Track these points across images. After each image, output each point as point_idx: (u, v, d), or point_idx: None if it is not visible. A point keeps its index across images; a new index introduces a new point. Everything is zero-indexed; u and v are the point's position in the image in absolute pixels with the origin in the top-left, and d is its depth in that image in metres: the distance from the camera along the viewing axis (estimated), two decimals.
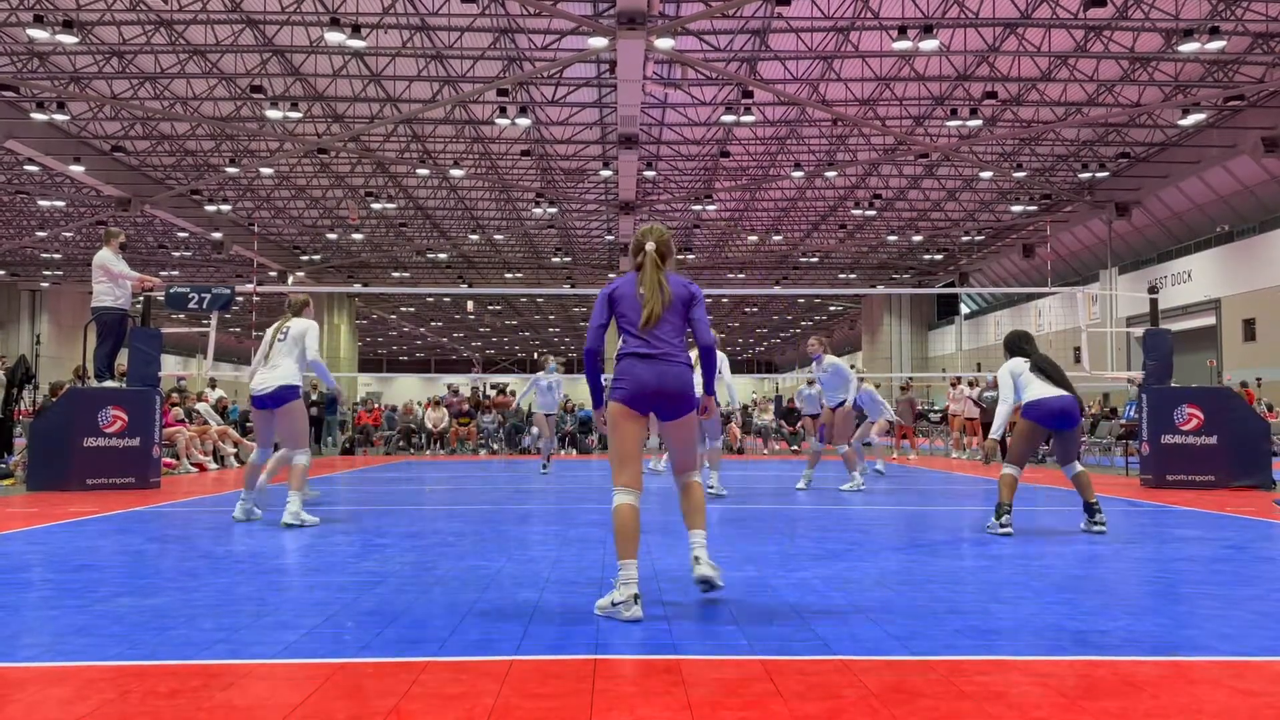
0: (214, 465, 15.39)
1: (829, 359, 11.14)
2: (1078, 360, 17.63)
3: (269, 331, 7.57)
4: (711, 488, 9.83)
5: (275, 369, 7.32)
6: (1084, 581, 4.83)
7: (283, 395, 7.27)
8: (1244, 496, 10.02)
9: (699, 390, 4.56)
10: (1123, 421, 17.00)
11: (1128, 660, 3.30)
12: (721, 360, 8.92)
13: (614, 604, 3.96)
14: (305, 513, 7.27)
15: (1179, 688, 3.00)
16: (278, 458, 7.68)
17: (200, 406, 16.86)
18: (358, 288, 43.29)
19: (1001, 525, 6.77)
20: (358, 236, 40.49)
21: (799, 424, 25.06)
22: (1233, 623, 3.89)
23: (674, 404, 4.30)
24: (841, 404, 10.91)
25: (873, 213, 36.16)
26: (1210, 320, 31.98)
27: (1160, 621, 3.91)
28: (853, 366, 12.24)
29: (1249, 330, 30.03)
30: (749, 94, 23.47)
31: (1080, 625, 3.82)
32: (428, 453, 22.00)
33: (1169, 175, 31.33)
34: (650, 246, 4.41)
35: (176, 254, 43.11)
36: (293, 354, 7.37)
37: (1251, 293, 29.68)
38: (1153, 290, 12.77)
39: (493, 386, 31.86)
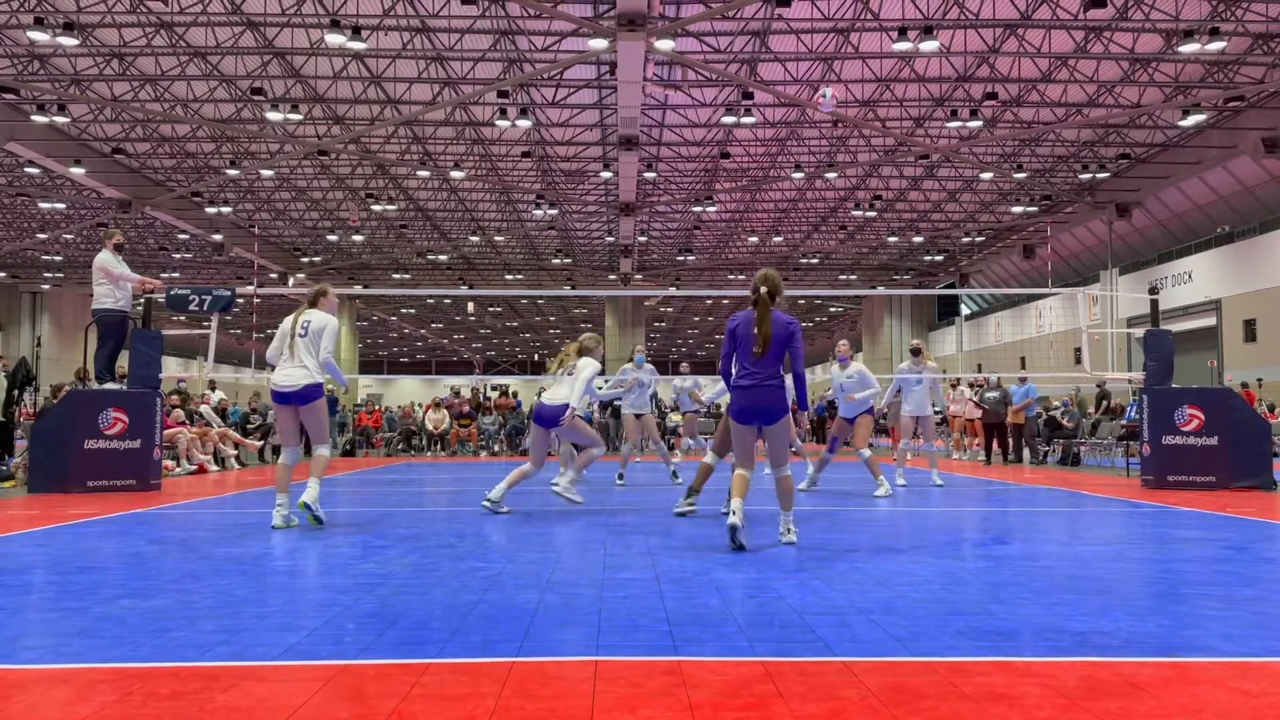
0: (215, 467, 15.39)
1: (855, 365, 10.67)
2: (1078, 361, 17.58)
3: (287, 323, 7.40)
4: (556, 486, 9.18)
5: (301, 366, 7.20)
6: (1085, 582, 4.83)
7: (309, 393, 7.20)
8: (1245, 497, 10.02)
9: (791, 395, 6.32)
10: (1124, 422, 17.00)
11: (1129, 661, 3.30)
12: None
13: (723, 513, 6.44)
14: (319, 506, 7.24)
15: (1180, 688, 3.00)
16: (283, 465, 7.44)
17: (203, 409, 16.88)
18: (358, 289, 43.31)
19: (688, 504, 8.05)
20: (358, 238, 40.52)
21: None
22: (1234, 623, 3.89)
23: (768, 415, 6.03)
24: (868, 411, 10.56)
25: (873, 214, 36.15)
26: (1211, 321, 31.97)
27: (1162, 622, 3.91)
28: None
29: (1249, 331, 30.02)
30: (749, 95, 23.48)
31: (1081, 626, 3.81)
32: (428, 454, 22.00)
33: (1169, 176, 31.33)
34: (764, 290, 5.96)
35: (177, 256, 43.14)
36: (315, 351, 7.26)
37: (1252, 293, 29.68)
38: (1153, 291, 12.77)
39: (493, 388, 31.87)
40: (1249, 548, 6.21)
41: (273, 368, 7.42)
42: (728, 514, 5.94)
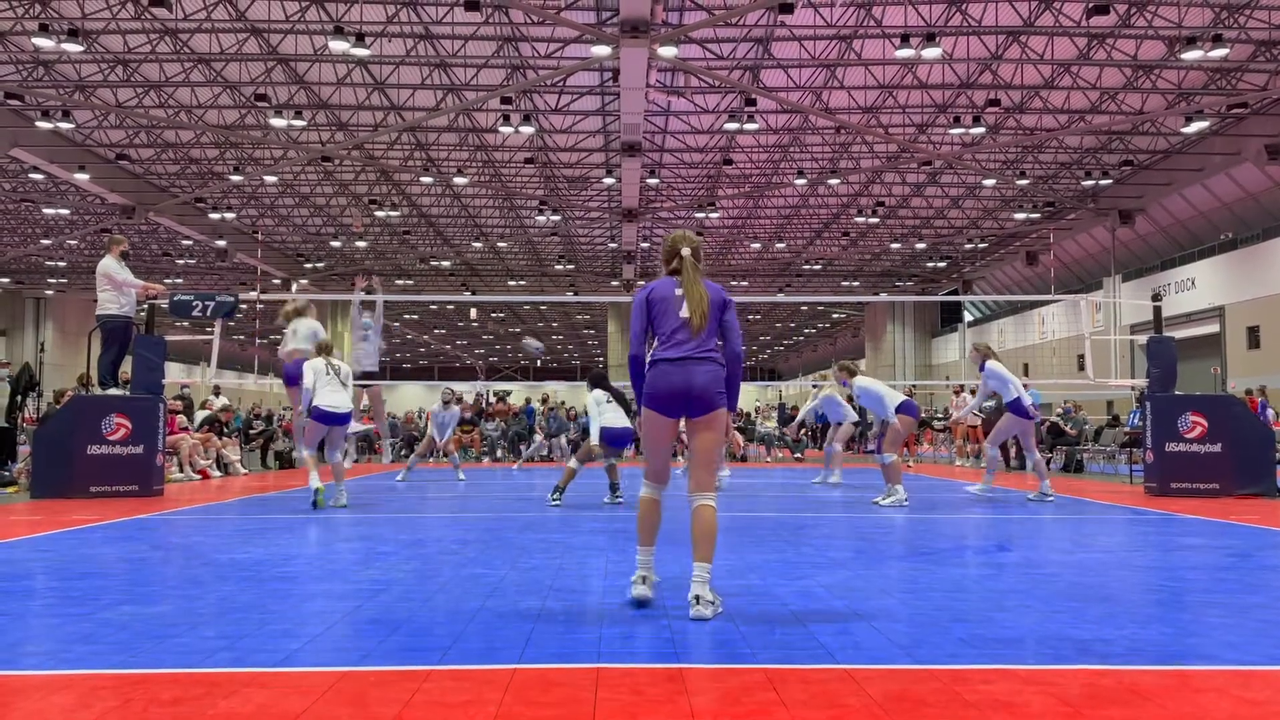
0: (217, 473, 15.40)
1: (858, 382, 10.94)
2: (1082, 368, 17.55)
3: (319, 364, 9.43)
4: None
5: (342, 394, 9.41)
6: (1088, 590, 4.82)
7: (350, 416, 9.68)
8: (1248, 504, 10.00)
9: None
10: (1127, 429, 16.96)
11: (1132, 669, 3.29)
12: None
13: (630, 589, 4.42)
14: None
15: (1184, 696, 2.99)
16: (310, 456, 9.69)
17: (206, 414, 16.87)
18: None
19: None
20: (361, 244, 40.56)
21: (802, 432, 25.05)
22: (1238, 631, 3.87)
23: (702, 403, 4.41)
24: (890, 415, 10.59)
25: (876, 220, 36.16)
26: (1214, 328, 31.92)
27: (1165, 630, 3.90)
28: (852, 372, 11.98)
29: (1253, 338, 29.98)
30: (752, 102, 23.50)
31: (1084, 634, 3.80)
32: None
33: (1172, 183, 31.31)
34: (686, 251, 4.56)
35: (180, 261, 43.19)
36: (347, 387, 9.52)
37: (1255, 300, 29.64)
38: (1156, 298, 12.75)
39: (495, 394, 31.84)
40: (1252, 555, 6.19)
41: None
42: (635, 581, 4.44)
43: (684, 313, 4.47)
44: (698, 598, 4.11)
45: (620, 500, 10.03)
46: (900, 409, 10.55)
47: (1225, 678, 3.21)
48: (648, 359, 4.56)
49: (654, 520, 4.49)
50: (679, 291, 4.51)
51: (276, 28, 21.38)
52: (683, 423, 4.57)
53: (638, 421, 4.82)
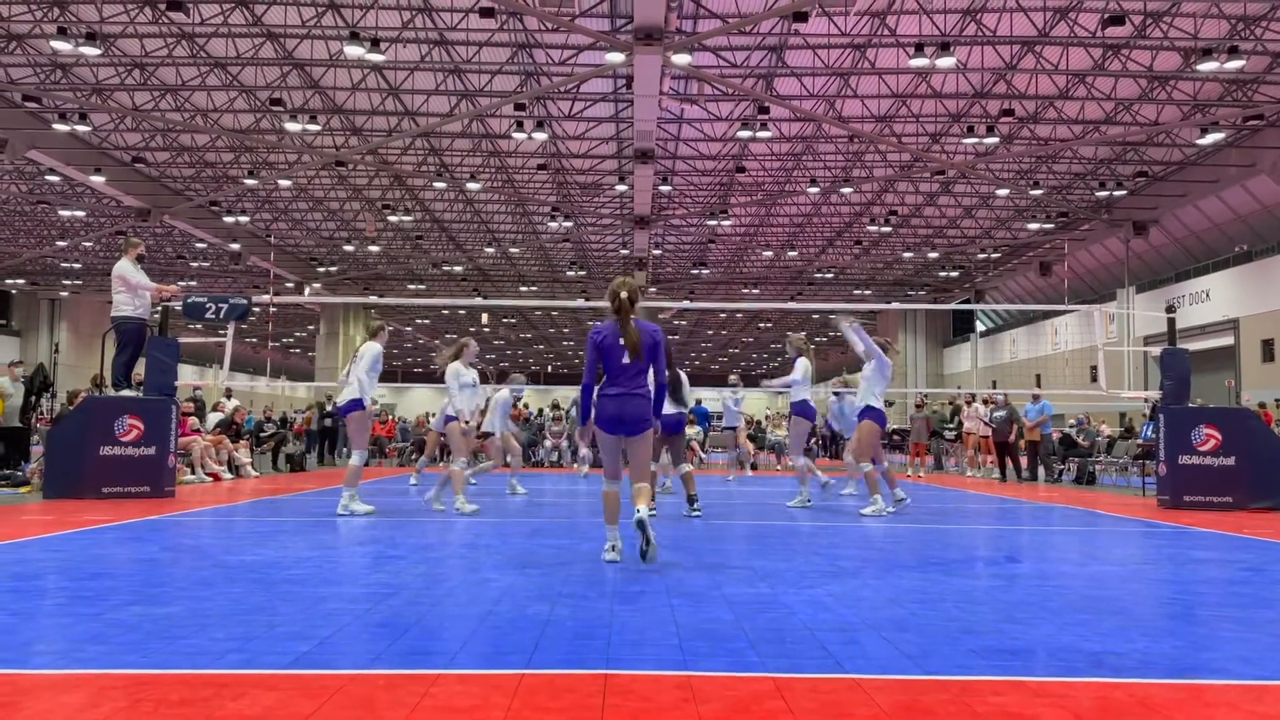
0: (229, 475, 15.44)
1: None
2: (1094, 380, 17.45)
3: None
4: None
5: (346, 386, 9.12)
6: (1100, 602, 4.79)
7: (347, 408, 9.10)
8: (1262, 518, 9.93)
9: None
10: (1140, 442, 16.88)
11: (1144, 682, 3.26)
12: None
13: (603, 555, 5.96)
14: (357, 504, 9.01)
15: (1196, 710, 2.97)
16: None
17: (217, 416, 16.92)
18: (373, 299, 43.45)
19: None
20: (374, 249, 40.70)
21: (813, 441, 25.00)
22: (1251, 645, 3.85)
23: (635, 426, 5.93)
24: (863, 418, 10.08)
25: (888, 229, 36.11)
26: (1228, 340, 31.76)
27: (1177, 644, 3.87)
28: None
29: (1268, 350, 29.81)
30: (765, 110, 23.51)
31: (1096, 646, 3.78)
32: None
33: (1187, 194, 31.18)
34: (624, 295, 5.87)
35: (194, 264, 43.43)
36: (359, 364, 9.09)
37: (1270, 313, 29.47)
38: (1170, 309, 12.69)
39: None
40: (1266, 569, 6.14)
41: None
42: (611, 548, 5.99)
43: (625, 359, 5.85)
44: (641, 521, 5.72)
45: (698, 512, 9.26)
46: (864, 414, 9.92)
47: (1238, 692, 3.19)
48: (596, 392, 5.98)
49: (615, 507, 6.03)
50: (621, 342, 5.87)
51: (292, 33, 21.51)
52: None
53: (580, 431, 6.35)
